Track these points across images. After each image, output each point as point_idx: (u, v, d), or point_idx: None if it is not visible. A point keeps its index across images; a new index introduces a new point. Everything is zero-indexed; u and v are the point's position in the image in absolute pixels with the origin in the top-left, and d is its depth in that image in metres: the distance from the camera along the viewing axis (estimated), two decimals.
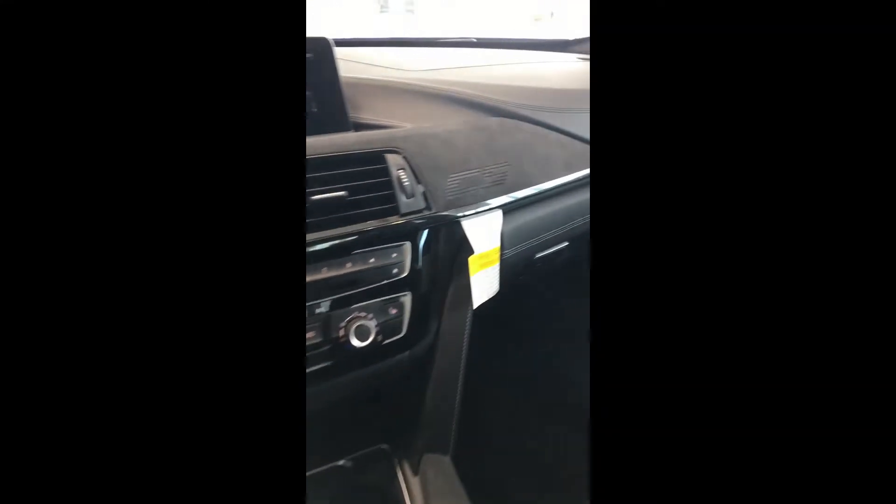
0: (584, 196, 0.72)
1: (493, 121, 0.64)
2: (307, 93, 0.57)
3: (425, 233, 0.55)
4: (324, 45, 0.58)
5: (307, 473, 0.61)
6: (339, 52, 0.59)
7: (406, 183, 0.52)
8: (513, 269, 0.65)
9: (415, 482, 0.60)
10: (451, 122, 0.61)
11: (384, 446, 0.64)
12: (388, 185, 0.52)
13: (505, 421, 0.86)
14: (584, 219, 0.73)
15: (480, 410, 0.82)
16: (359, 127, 0.60)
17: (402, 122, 0.60)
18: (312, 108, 0.58)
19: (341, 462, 0.62)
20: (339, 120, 0.59)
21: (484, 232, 0.58)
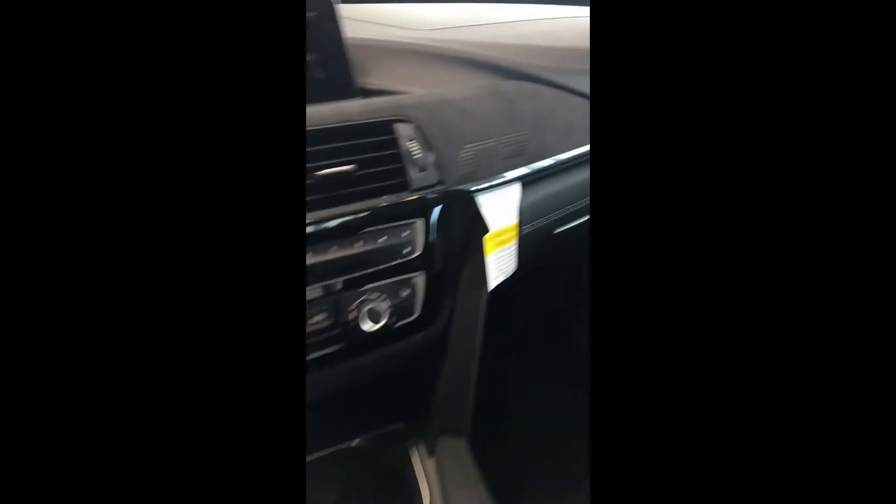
0: None
1: (511, 85, 0.59)
2: (309, 56, 0.53)
3: (438, 209, 0.51)
4: (326, 3, 0.53)
5: (323, 453, 0.60)
6: (344, 10, 0.54)
7: (417, 155, 0.48)
8: (531, 245, 0.62)
9: (430, 464, 0.59)
10: (465, 86, 0.56)
11: (399, 427, 0.63)
12: (398, 157, 0.48)
13: (523, 405, 0.84)
14: None
15: (498, 393, 0.81)
16: (366, 93, 0.56)
17: (413, 88, 0.55)
18: (316, 73, 0.53)
19: (355, 443, 0.61)
20: (344, 86, 0.55)
21: (501, 207, 0.55)
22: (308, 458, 0.60)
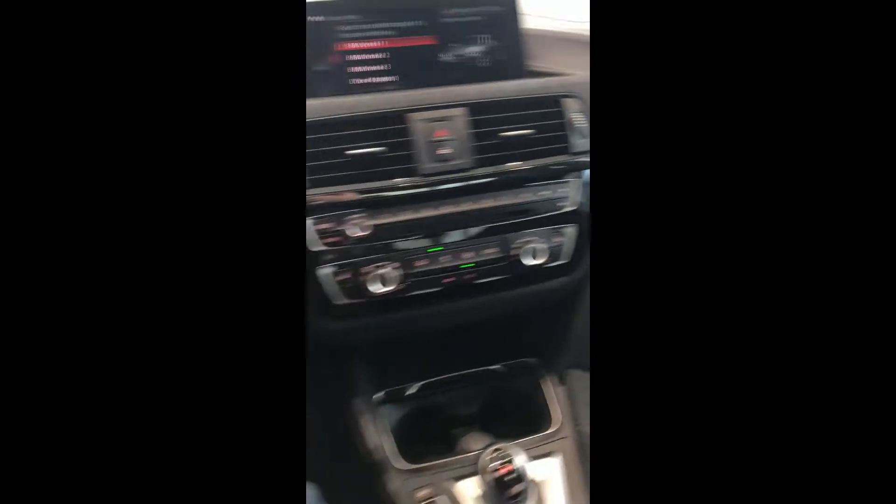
0: None
1: None
2: (494, 43, 0.65)
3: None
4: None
5: (468, 371, 0.72)
6: (523, 6, 0.65)
7: (579, 125, 0.58)
8: None
9: (560, 391, 0.69)
10: None
11: (531, 361, 0.73)
12: (563, 126, 0.58)
13: None
14: None
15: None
16: (538, 74, 0.67)
17: (577, 70, 0.65)
18: (500, 56, 0.65)
19: (495, 367, 0.73)
20: (519, 68, 0.66)
21: None
22: (455, 374, 0.72)
